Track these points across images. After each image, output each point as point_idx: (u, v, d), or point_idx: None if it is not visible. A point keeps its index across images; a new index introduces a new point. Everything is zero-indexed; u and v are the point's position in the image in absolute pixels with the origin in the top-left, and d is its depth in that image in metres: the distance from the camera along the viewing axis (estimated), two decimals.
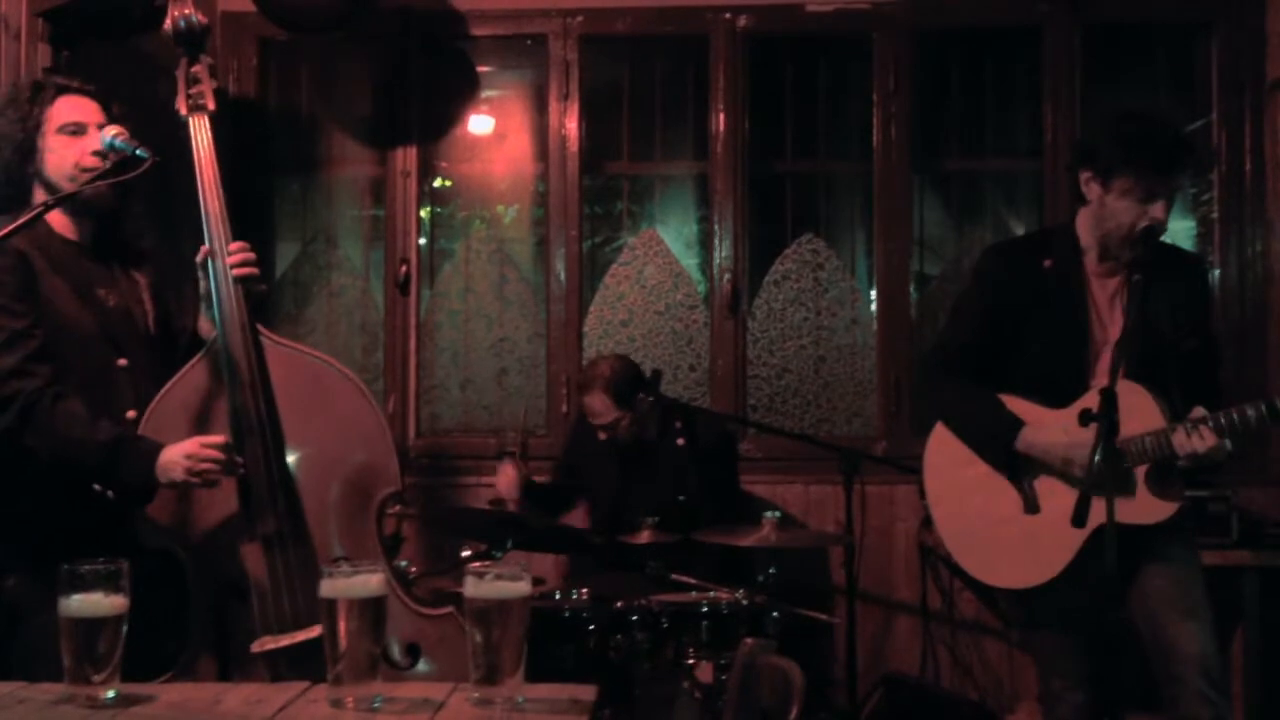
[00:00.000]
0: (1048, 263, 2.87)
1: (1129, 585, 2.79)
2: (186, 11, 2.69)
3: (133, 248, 2.72)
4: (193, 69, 2.68)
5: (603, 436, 4.00)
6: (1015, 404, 2.87)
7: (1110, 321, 2.82)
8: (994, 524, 2.87)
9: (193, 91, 2.66)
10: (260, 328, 2.55)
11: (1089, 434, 2.53)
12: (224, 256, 2.56)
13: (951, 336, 3.04)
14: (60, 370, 2.44)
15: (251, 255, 2.61)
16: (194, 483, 2.40)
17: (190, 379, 2.52)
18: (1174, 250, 2.99)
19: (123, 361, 2.55)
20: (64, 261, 2.55)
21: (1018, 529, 2.84)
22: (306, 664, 2.35)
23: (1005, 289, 2.90)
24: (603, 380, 3.93)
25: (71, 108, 2.58)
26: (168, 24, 2.69)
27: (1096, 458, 2.47)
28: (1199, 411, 2.62)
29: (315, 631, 2.36)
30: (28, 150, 2.54)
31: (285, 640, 2.40)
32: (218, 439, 2.42)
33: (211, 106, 2.66)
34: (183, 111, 2.66)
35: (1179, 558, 2.82)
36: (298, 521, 2.47)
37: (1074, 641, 2.82)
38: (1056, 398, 2.81)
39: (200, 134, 2.65)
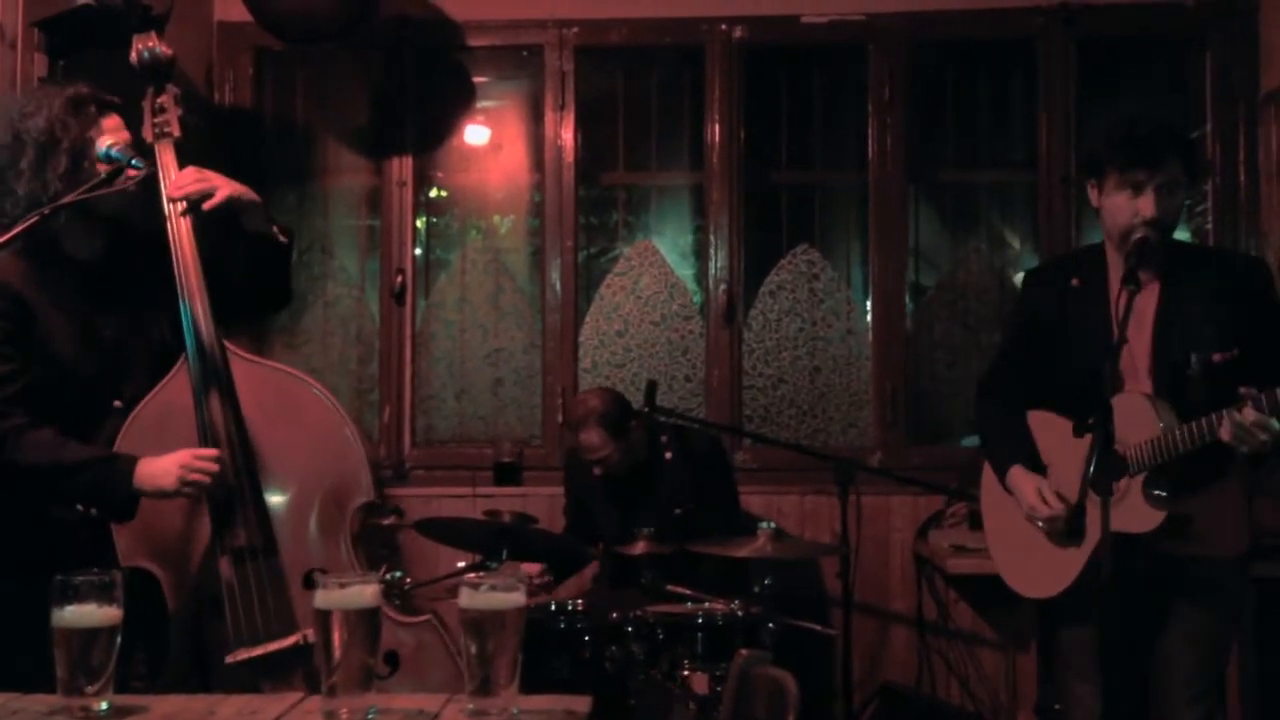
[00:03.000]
0: (1075, 281, 2.91)
1: (1160, 620, 2.78)
2: (150, 44, 2.68)
3: (153, 262, 2.69)
4: (159, 100, 2.66)
5: (597, 472, 3.98)
6: (1043, 419, 2.92)
7: (1138, 335, 2.79)
8: (1024, 537, 2.92)
9: (158, 120, 2.65)
10: (229, 344, 2.56)
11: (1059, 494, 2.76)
12: (189, 282, 2.54)
13: (997, 358, 3.17)
14: (48, 414, 2.43)
15: (195, 186, 2.56)
16: (185, 492, 2.40)
17: (160, 398, 2.53)
18: (1208, 253, 2.96)
19: (118, 403, 2.54)
20: (67, 293, 2.52)
21: (1042, 541, 2.89)
22: (281, 672, 2.39)
23: (1037, 309, 2.98)
24: (595, 415, 3.89)
25: (114, 130, 2.55)
26: (133, 56, 2.68)
27: (1091, 468, 2.48)
28: (1248, 390, 2.55)
29: (288, 642, 2.40)
30: (80, 181, 2.47)
31: (258, 651, 2.42)
32: (211, 451, 2.43)
33: (177, 133, 2.64)
34: (148, 139, 2.64)
35: (1210, 622, 2.78)
36: (268, 535, 2.48)
37: (1096, 644, 2.81)
38: (1084, 413, 2.79)
39: (166, 159, 2.63)
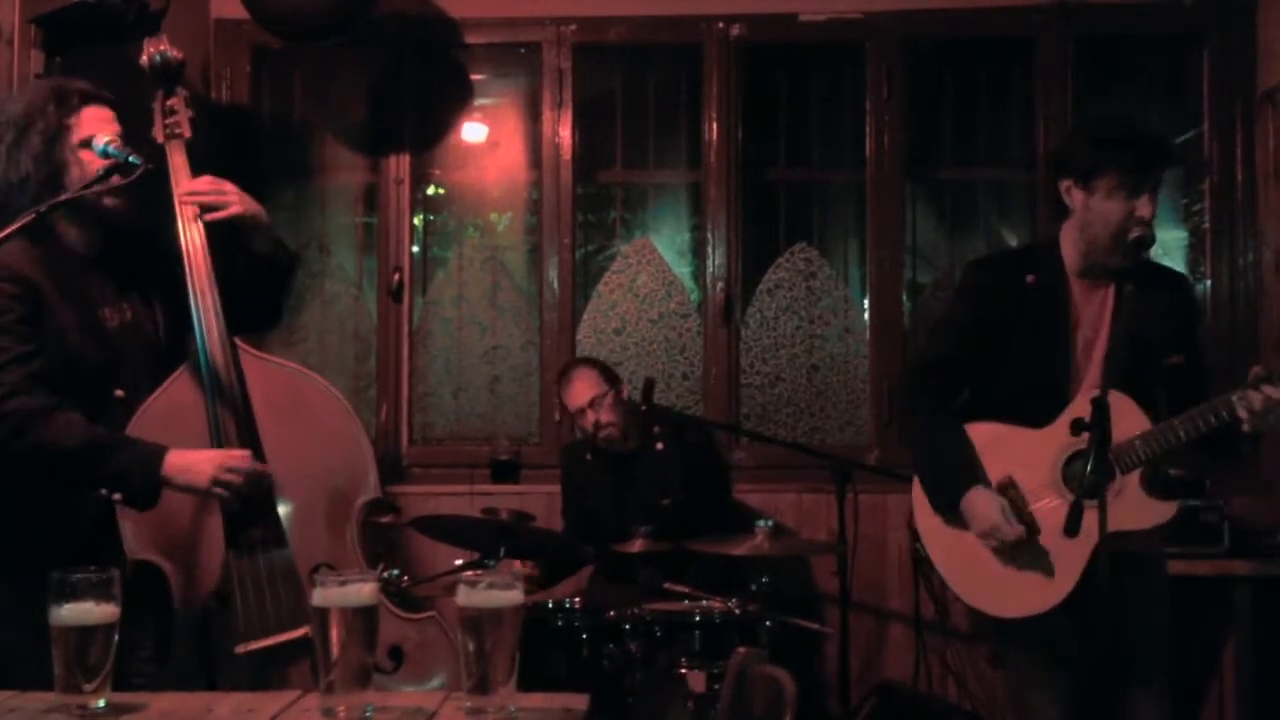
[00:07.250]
0: (1030, 278, 2.85)
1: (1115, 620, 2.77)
2: (161, 48, 2.69)
3: (148, 260, 2.69)
4: (169, 101, 2.67)
5: (606, 435, 3.97)
6: (993, 430, 2.84)
7: (1094, 336, 2.81)
8: (996, 554, 2.80)
9: (169, 121, 2.66)
10: (238, 341, 2.57)
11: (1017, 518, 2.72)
12: (200, 280, 2.55)
13: (933, 351, 3.03)
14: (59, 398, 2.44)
15: (208, 198, 2.58)
16: (215, 492, 2.40)
17: (169, 395, 2.54)
18: (1159, 267, 2.99)
19: (120, 393, 2.54)
20: (72, 283, 2.53)
21: (1022, 556, 2.78)
22: (288, 662, 2.40)
23: (988, 303, 2.89)
24: (583, 360, 4.14)
25: (96, 120, 2.55)
26: (144, 60, 2.68)
27: (1089, 467, 2.45)
28: (1258, 370, 2.59)
29: (298, 632, 2.40)
30: (57, 165, 2.49)
31: (269, 641, 2.44)
32: (244, 454, 2.44)
33: (188, 134, 2.66)
34: (159, 139, 2.65)
35: (1160, 612, 2.83)
36: (277, 530, 2.50)
37: (1058, 658, 2.81)
38: (1036, 414, 2.78)
39: (176, 160, 2.64)
